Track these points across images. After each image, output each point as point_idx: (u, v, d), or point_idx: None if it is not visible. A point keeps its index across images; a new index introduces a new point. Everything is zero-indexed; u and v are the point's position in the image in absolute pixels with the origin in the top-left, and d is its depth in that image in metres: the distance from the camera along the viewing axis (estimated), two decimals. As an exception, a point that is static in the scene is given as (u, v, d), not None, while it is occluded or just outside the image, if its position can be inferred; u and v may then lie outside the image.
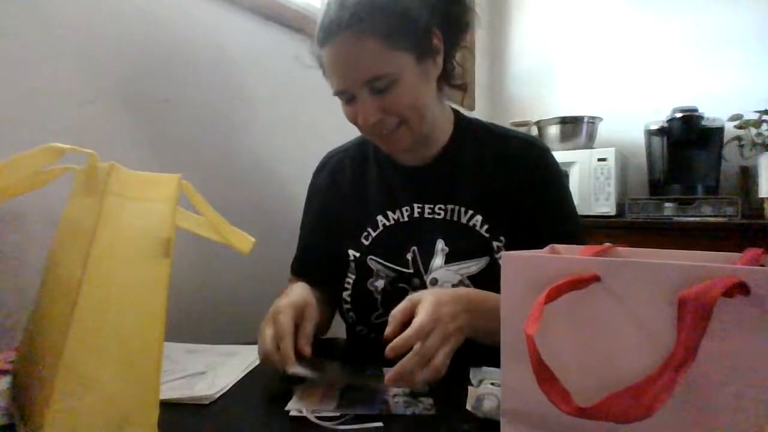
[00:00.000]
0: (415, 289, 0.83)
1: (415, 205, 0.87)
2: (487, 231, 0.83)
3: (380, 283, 0.84)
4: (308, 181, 1.01)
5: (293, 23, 1.30)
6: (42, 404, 0.42)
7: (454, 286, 0.81)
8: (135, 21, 0.94)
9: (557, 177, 0.89)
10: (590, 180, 1.96)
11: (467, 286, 0.81)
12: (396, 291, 0.83)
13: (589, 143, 2.13)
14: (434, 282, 0.82)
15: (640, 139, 2.12)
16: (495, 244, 0.83)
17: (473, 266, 0.82)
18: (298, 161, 1.31)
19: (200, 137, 1.07)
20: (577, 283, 0.40)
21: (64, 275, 0.48)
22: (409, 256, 0.84)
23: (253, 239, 0.59)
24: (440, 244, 0.84)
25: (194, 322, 0.99)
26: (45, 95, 0.79)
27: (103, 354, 0.45)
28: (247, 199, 1.18)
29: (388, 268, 0.85)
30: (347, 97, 0.79)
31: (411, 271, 0.84)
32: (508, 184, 0.85)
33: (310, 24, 1.33)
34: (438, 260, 0.83)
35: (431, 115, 0.82)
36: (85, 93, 0.85)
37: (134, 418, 0.46)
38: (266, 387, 0.68)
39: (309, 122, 1.37)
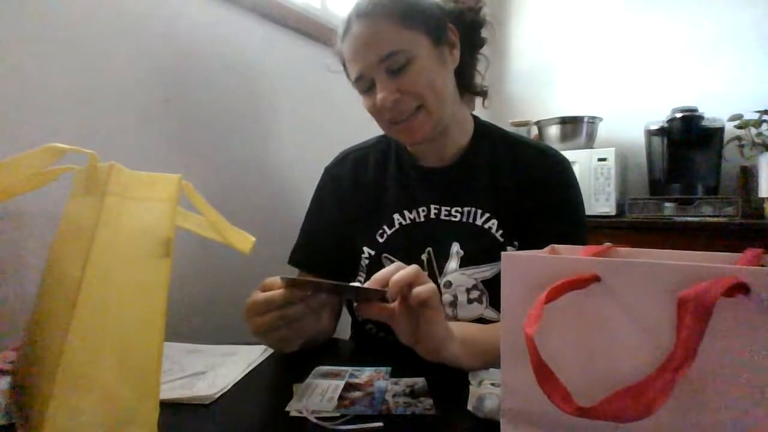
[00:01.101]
0: None
1: (432, 206, 0.87)
2: (501, 235, 0.84)
3: None
4: (311, 181, 1.00)
5: (291, 23, 1.30)
6: (42, 404, 0.42)
7: (468, 289, 0.82)
8: (135, 21, 0.94)
9: (571, 188, 0.89)
10: (590, 180, 1.95)
11: (481, 290, 0.82)
12: None
13: (589, 143, 2.13)
14: (448, 285, 0.83)
15: (640, 139, 2.12)
16: (509, 248, 0.84)
17: (488, 271, 0.82)
18: (299, 162, 1.32)
19: (201, 138, 1.07)
20: (577, 283, 0.40)
21: (64, 275, 0.48)
22: (423, 257, 0.84)
23: (253, 239, 0.59)
24: (455, 247, 0.84)
25: (194, 322, 0.99)
26: (45, 95, 0.79)
27: (103, 354, 0.45)
28: (248, 198, 1.18)
29: None
30: (366, 83, 0.81)
31: (425, 272, 0.84)
32: (521, 191, 0.85)
33: (311, 25, 1.35)
34: (453, 263, 0.83)
35: (450, 104, 0.83)
36: (85, 93, 0.85)
37: (134, 418, 0.46)
38: (266, 387, 0.68)
39: (312, 124, 1.37)
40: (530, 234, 0.84)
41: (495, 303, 0.82)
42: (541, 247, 0.55)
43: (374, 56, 0.77)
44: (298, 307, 0.64)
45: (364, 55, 0.78)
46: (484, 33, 0.91)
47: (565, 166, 0.89)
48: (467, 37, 0.86)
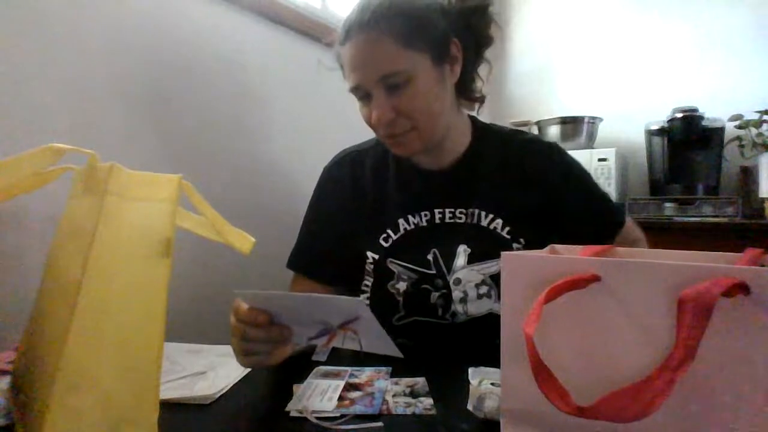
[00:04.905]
0: (439, 289, 0.83)
1: (436, 211, 0.87)
2: (508, 233, 0.85)
3: (402, 285, 0.84)
4: (310, 181, 1.00)
5: (291, 22, 1.30)
6: (42, 404, 0.42)
7: (477, 285, 0.83)
8: (136, 21, 0.94)
9: (583, 173, 0.92)
10: (590, 180, 1.96)
11: (489, 285, 0.83)
12: (419, 292, 0.83)
13: (590, 143, 2.13)
14: (457, 282, 0.83)
15: (640, 139, 2.12)
16: (515, 245, 0.84)
17: (495, 266, 0.83)
18: (300, 162, 1.32)
19: (201, 137, 1.07)
20: (577, 283, 0.40)
21: (64, 275, 0.48)
22: (429, 257, 0.85)
23: (253, 239, 0.59)
24: (462, 247, 0.84)
25: (194, 322, 0.99)
26: (45, 95, 0.79)
27: (103, 354, 0.45)
28: (248, 199, 1.18)
29: (410, 270, 0.85)
30: (362, 94, 0.80)
31: (433, 272, 0.84)
32: (529, 189, 0.87)
33: (311, 25, 1.35)
34: (461, 260, 0.84)
35: (444, 123, 0.83)
36: (85, 93, 0.85)
37: (134, 418, 0.46)
38: (266, 387, 0.68)
39: (312, 123, 1.37)
40: (566, 227, 0.85)
41: None
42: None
43: (373, 74, 0.76)
44: (260, 333, 0.61)
45: (363, 70, 0.77)
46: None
47: (567, 158, 0.91)
48: (472, 41, 0.85)
